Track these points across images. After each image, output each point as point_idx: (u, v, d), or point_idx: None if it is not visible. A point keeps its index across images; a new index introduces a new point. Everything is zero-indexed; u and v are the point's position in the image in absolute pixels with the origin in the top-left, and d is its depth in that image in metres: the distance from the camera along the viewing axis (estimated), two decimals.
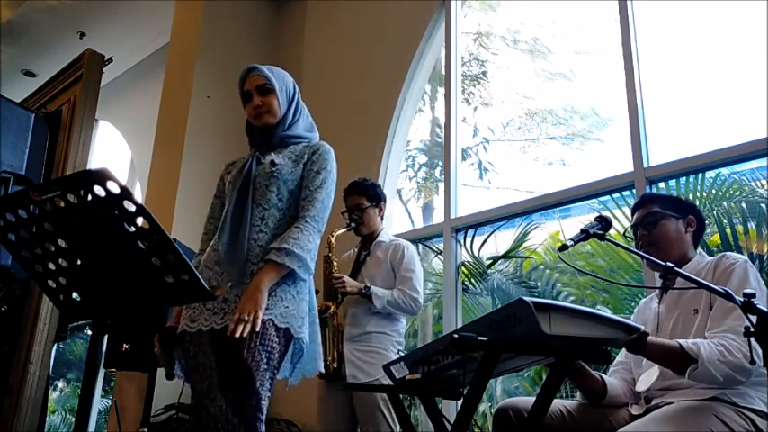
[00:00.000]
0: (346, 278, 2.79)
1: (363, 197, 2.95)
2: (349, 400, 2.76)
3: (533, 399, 1.62)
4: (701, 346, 1.57)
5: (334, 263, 2.91)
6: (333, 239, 2.93)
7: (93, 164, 5.64)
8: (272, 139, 2.10)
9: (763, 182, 2.78)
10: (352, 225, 2.94)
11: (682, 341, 1.61)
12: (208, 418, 1.76)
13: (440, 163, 4.22)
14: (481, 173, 4.06)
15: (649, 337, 1.57)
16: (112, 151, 6.98)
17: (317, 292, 2.84)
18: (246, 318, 1.76)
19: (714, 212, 2.86)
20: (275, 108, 2.08)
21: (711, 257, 1.87)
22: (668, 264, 1.61)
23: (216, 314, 1.89)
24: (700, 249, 1.98)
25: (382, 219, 3.05)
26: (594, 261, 3.31)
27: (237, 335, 1.74)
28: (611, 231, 1.80)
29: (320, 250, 2.84)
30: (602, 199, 3.20)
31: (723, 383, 1.59)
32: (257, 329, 1.78)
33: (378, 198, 2.99)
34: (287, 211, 2.03)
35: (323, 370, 2.11)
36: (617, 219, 2.98)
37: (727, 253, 1.82)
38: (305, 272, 1.94)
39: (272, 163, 2.03)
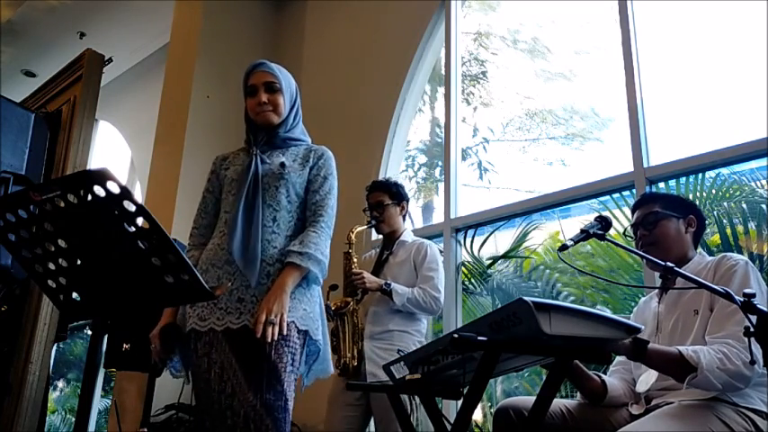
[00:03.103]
0: (366, 274, 2.76)
1: (385, 194, 2.93)
2: (365, 398, 2.73)
3: (533, 399, 1.62)
4: (701, 354, 1.57)
5: (354, 259, 2.87)
6: (352, 236, 2.90)
7: (93, 164, 5.64)
8: (275, 139, 2.10)
9: (763, 182, 2.78)
10: (372, 222, 2.92)
11: (681, 348, 1.61)
12: (236, 419, 1.75)
13: (440, 163, 4.22)
14: (481, 173, 4.06)
15: (650, 345, 1.57)
16: (112, 151, 6.98)
17: (336, 287, 2.83)
18: (275, 320, 1.77)
19: (714, 212, 2.86)
20: (281, 108, 2.08)
21: (712, 257, 1.87)
22: (668, 264, 1.61)
23: (231, 314, 1.89)
24: (700, 249, 1.97)
25: (404, 218, 3.02)
26: (594, 261, 3.31)
27: (269, 339, 1.76)
28: (611, 231, 1.80)
29: (340, 246, 2.83)
30: (602, 199, 3.20)
31: (722, 390, 1.59)
32: (284, 332, 1.80)
33: (400, 197, 2.96)
34: (295, 213, 2.04)
35: (332, 371, 2.11)
36: (617, 219, 2.98)
37: (727, 254, 1.81)
38: (322, 276, 1.97)
39: (282, 165, 2.04)
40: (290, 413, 1.82)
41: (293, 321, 1.87)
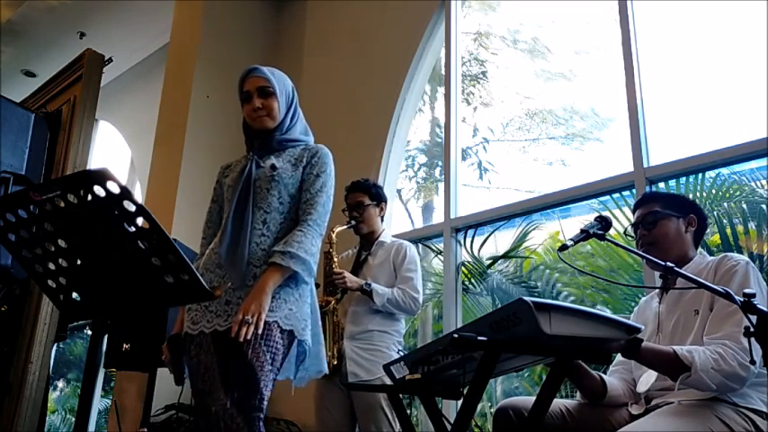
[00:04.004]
0: (347, 274, 2.78)
1: (365, 195, 2.95)
2: (349, 398, 2.76)
3: (533, 399, 1.62)
4: (695, 354, 1.57)
5: (335, 259, 2.90)
6: (333, 235, 2.92)
7: (93, 164, 5.64)
8: (271, 142, 2.10)
9: (763, 182, 2.78)
10: (352, 222, 2.93)
11: (677, 348, 1.61)
12: (210, 417, 1.77)
13: (440, 163, 4.22)
14: (481, 173, 4.06)
15: (643, 343, 1.57)
16: (112, 151, 6.98)
17: (317, 286, 2.86)
18: (250, 320, 1.77)
19: (714, 213, 2.86)
20: (275, 111, 2.08)
21: (713, 257, 1.87)
22: (668, 264, 1.61)
23: (219, 316, 1.90)
24: (701, 249, 1.97)
25: (383, 219, 3.04)
26: (594, 261, 3.31)
27: (241, 339, 1.75)
28: (611, 231, 1.80)
29: (321, 246, 2.86)
30: (602, 199, 3.20)
31: (716, 391, 1.59)
32: (260, 331, 1.79)
33: (379, 198, 2.99)
34: (287, 214, 2.04)
35: (327, 371, 2.11)
36: (617, 219, 2.98)
37: (728, 254, 1.81)
38: (308, 275, 1.96)
39: (273, 167, 2.04)
40: (264, 410, 1.82)
41: (275, 321, 1.86)
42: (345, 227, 2.95)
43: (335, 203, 2.14)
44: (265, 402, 1.82)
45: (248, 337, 1.77)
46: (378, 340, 2.77)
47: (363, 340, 2.77)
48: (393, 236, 3.18)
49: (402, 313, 2.85)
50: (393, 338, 2.81)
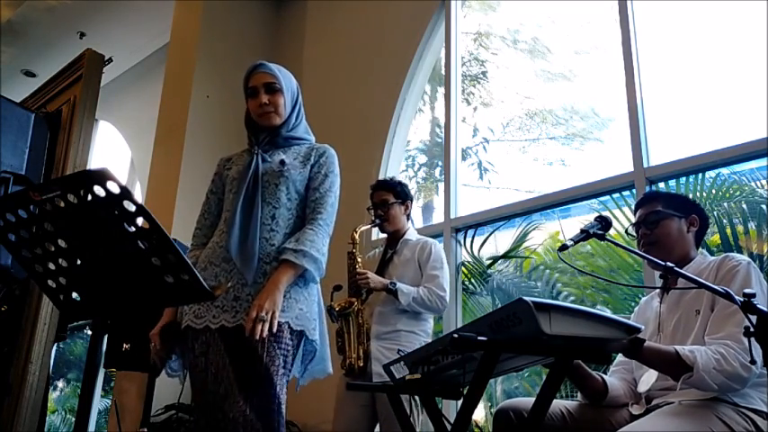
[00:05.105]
0: (370, 274, 2.76)
1: (390, 193, 2.94)
2: (372, 398, 2.72)
3: (533, 399, 1.62)
4: (698, 354, 1.57)
5: (358, 259, 2.87)
6: (356, 235, 2.90)
7: (93, 164, 5.64)
8: (277, 138, 2.09)
9: (763, 182, 2.78)
10: (377, 221, 2.92)
11: (678, 348, 1.61)
12: (226, 422, 1.75)
13: (440, 163, 4.22)
14: (481, 173, 4.06)
15: (646, 343, 1.57)
16: (112, 151, 6.98)
17: (340, 288, 2.83)
18: (265, 317, 1.76)
19: (714, 213, 2.86)
20: (281, 108, 2.07)
21: (714, 258, 1.87)
22: (668, 264, 1.61)
23: (227, 312, 1.88)
24: (701, 249, 1.97)
25: (408, 218, 3.02)
26: (594, 261, 3.31)
27: (257, 336, 1.74)
28: (612, 231, 1.80)
29: (344, 246, 2.83)
30: (602, 199, 3.20)
31: (718, 391, 1.59)
32: (274, 330, 1.79)
33: (404, 196, 2.97)
34: (295, 210, 2.03)
35: (331, 372, 2.10)
36: (617, 219, 2.98)
37: (730, 254, 1.81)
38: (319, 274, 1.96)
39: (282, 162, 2.03)
40: (283, 416, 1.82)
41: (287, 322, 1.86)
42: (369, 226, 2.94)
43: (339, 206, 2.14)
44: (284, 407, 1.82)
45: (264, 335, 1.76)
46: (405, 340, 2.72)
47: (390, 340, 2.73)
48: None
49: (428, 312, 2.81)
50: (420, 338, 2.77)
